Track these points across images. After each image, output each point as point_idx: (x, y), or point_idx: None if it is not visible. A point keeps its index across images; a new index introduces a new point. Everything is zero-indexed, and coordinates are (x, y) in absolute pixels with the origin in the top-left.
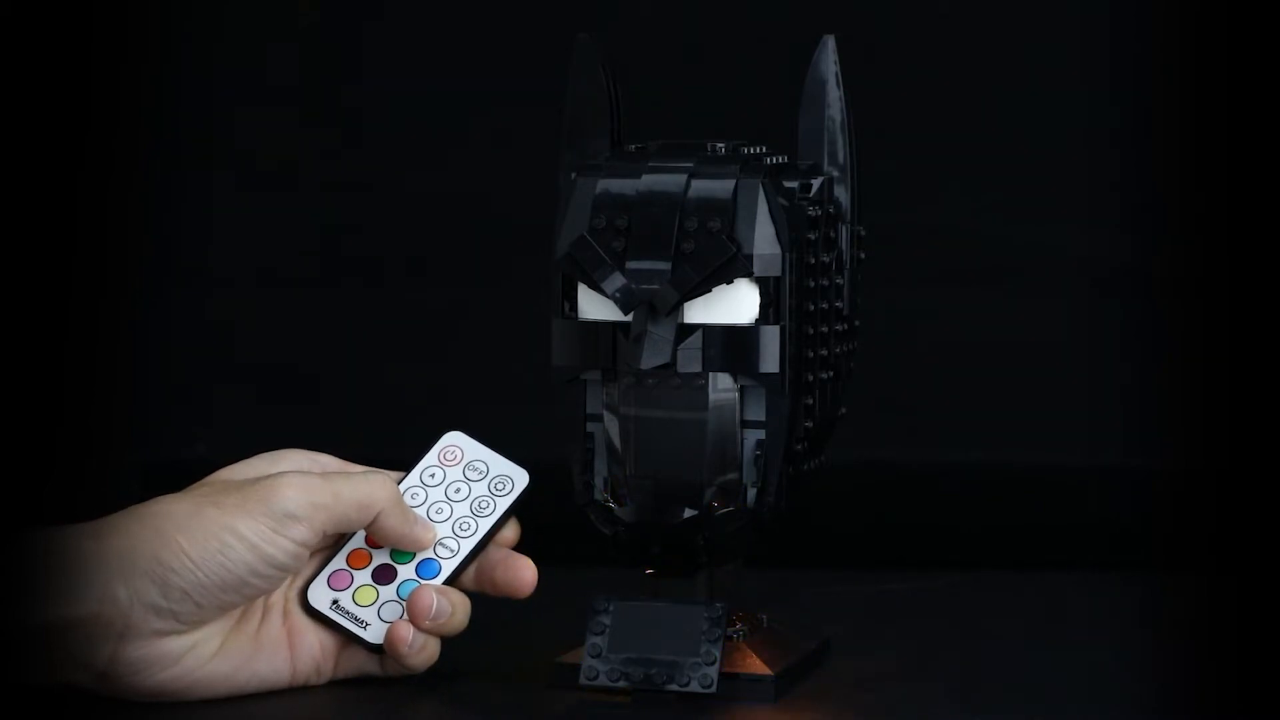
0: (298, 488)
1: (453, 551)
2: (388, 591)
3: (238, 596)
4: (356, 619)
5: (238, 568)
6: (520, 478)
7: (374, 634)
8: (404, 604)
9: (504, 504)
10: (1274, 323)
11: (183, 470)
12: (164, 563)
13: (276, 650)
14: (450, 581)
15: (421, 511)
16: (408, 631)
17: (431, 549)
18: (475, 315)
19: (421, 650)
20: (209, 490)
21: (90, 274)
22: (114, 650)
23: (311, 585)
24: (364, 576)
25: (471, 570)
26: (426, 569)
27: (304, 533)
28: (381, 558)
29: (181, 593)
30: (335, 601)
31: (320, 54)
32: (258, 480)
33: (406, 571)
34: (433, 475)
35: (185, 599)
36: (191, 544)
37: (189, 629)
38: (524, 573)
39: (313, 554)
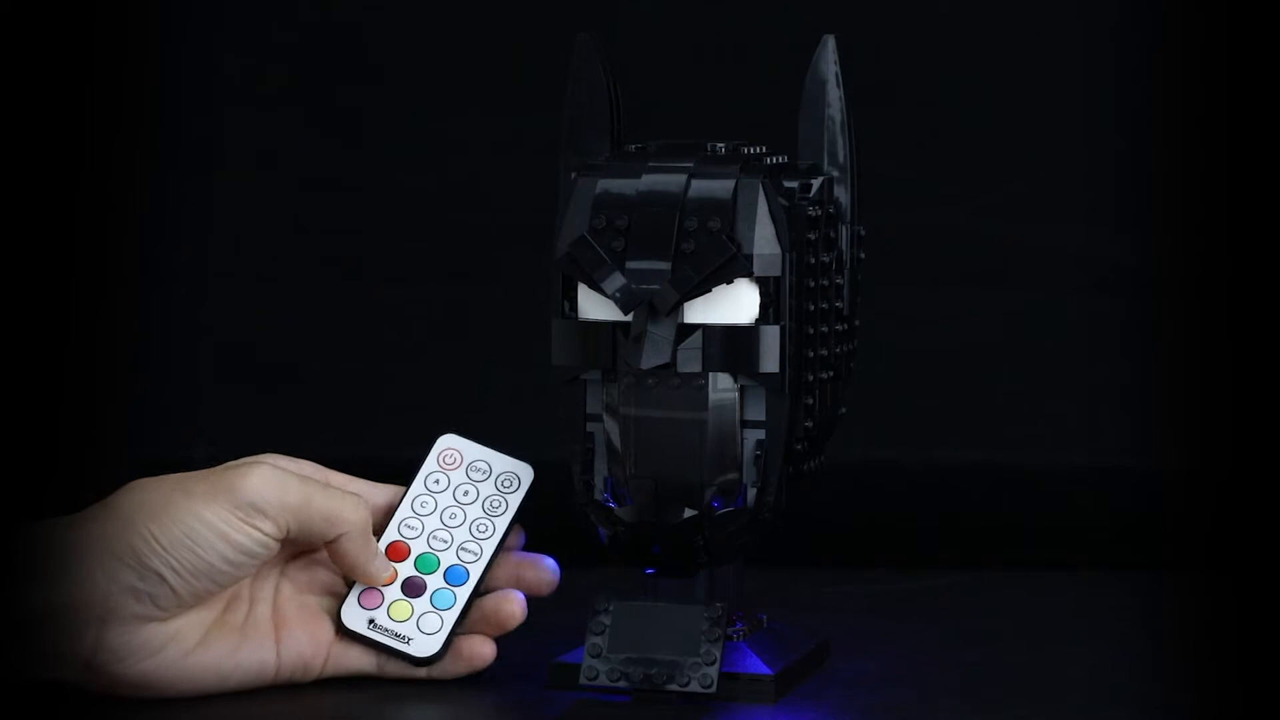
0: (267, 481)
1: (476, 555)
2: (421, 603)
3: (211, 584)
4: (397, 635)
5: (208, 554)
6: (525, 473)
7: (418, 647)
8: (443, 614)
9: (515, 500)
10: (1274, 323)
11: (182, 470)
12: (137, 549)
13: (261, 642)
14: (478, 585)
15: (434, 520)
16: (490, 649)
17: (455, 554)
18: (475, 315)
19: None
20: (182, 478)
21: (90, 274)
22: (96, 637)
23: (344, 607)
24: (394, 592)
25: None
26: (454, 575)
27: (269, 526)
28: (406, 570)
29: (157, 575)
30: (371, 620)
31: (320, 54)
32: (228, 468)
33: (436, 581)
34: (437, 481)
35: (161, 582)
36: (162, 532)
37: (169, 615)
38: (547, 574)
39: (294, 556)
